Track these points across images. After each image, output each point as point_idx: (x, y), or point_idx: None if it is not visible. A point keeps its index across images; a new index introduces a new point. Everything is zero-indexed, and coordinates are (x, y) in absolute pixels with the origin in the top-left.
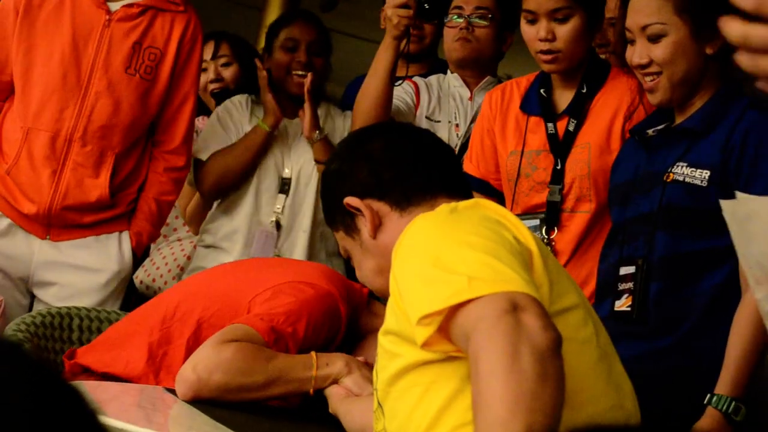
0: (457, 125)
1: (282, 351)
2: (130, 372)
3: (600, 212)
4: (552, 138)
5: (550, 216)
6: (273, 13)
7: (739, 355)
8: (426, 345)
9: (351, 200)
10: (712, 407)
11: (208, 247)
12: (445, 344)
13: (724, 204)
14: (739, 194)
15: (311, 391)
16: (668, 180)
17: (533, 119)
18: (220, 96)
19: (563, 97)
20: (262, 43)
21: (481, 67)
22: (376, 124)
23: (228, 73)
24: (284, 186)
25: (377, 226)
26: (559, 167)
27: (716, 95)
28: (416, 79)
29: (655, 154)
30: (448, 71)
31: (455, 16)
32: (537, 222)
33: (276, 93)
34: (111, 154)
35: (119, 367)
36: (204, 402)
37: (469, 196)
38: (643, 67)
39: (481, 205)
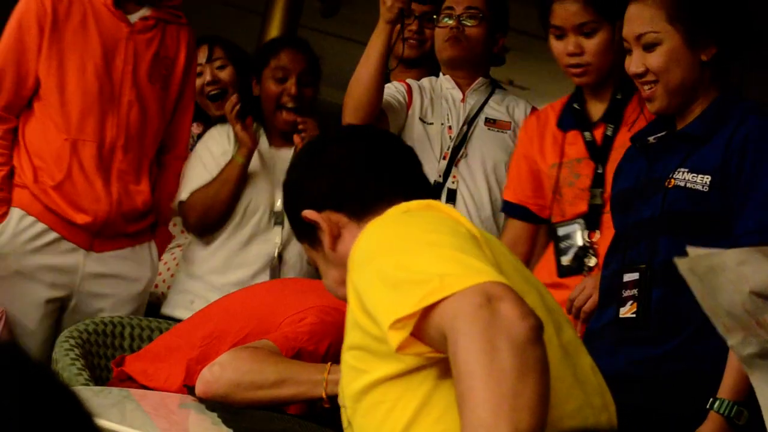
0: (449, 127)
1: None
2: (169, 387)
3: None
4: (590, 145)
5: (592, 218)
6: (275, 19)
7: None
8: (400, 349)
9: (309, 213)
10: (714, 411)
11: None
12: (418, 346)
13: (680, 262)
14: (691, 249)
15: (324, 395)
16: (669, 186)
17: (570, 133)
18: (218, 97)
19: (596, 108)
20: None
21: (473, 68)
22: (331, 131)
23: (224, 74)
24: (278, 218)
25: (336, 237)
26: (600, 171)
27: (715, 101)
28: (408, 80)
29: (656, 161)
30: (440, 73)
31: (446, 17)
32: (576, 226)
33: (261, 122)
34: (146, 161)
35: (160, 381)
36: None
37: (430, 198)
38: (639, 76)
39: (433, 206)
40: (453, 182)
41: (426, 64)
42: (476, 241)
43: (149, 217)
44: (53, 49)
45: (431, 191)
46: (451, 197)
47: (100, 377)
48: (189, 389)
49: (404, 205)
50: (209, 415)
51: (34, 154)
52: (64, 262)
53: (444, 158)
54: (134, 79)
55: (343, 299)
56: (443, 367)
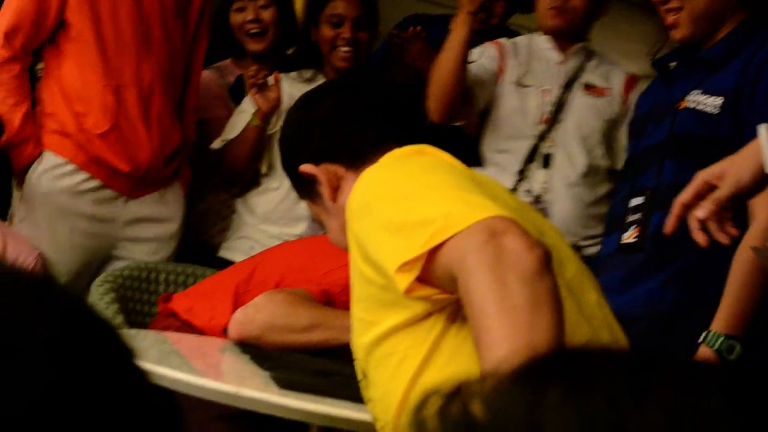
0: (546, 91)
1: None
2: (213, 329)
3: None
4: None
5: None
6: None
7: (736, 292)
8: (408, 292)
9: (306, 167)
10: (705, 344)
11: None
12: (426, 289)
13: (761, 127)
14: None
15: None
16: (680, 108)
17: None
18: (258, 35)
19: None
20: None
21: (574, 34)
22: (323, 84)
23: (267, 14)
24: None
25: (335, 188)
26: None
27: (740, 25)
28: (502, 40)
29: (674, 85)
30: (540, 34)
31: None
32: None
33: (320, 68)
34: (175, 100)
35: (204, 319)
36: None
37: (417, 138)
38: (663, 2)
39: (425, 151)
40: (550, 147)
41: (493, 39)
42: (473, 179)
43: (178, 157)
44: None
45: (425, 136)
46: (547, 162)
47: (135, 321)
48: (225, 332)
49: (396, 152)
50: (244, 358)
51: (75, 99)
52: (105, 212)
53: (542, 122)
54: (162, 18)
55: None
56: (450, 312)
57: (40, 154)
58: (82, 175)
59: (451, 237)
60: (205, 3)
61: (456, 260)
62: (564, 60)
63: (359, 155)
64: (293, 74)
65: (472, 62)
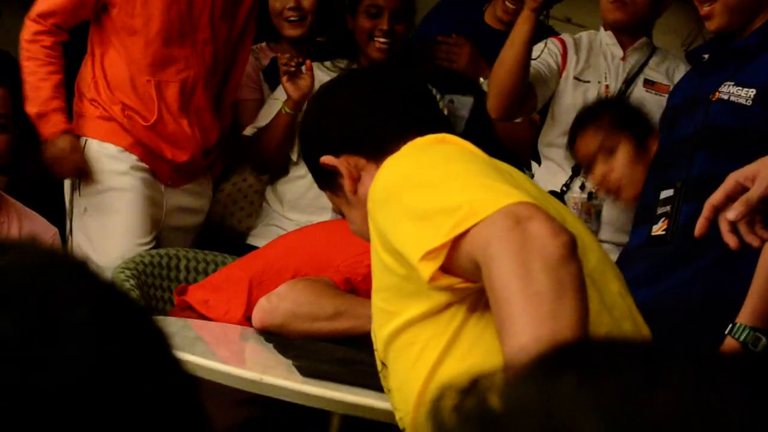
0: (607, 86)
1: None
2: (229, 320)
3: None
4: None
5: None
6: None
7: (763, 285)
8: (432, 281)
9: (327, 159)
10: (730, 336)
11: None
12: (449, 278)
13: None
14: None
15: None
16: (713, 99)
17: None
18: (296, 22)
19: None
20: None
21: (636, 29)
22: (341, 75)
23: (307, 2)
24: None
25: (356, 179)
26: None
27: None
28: (564, 36)
29: (707, 76)
30: (601, 28)
31: None
32: None
33: (355, 58)
34: (214, 97)
35: (220, 313)
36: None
37: (440, 129)
38: None
39: (447, 139)
40: None
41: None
42: (496, 167)
43: (216, 150)
44: None
45: (445, 125)
46: None
47: (156, 308)
48: (249, 320)
49: (418, 141)
50: (267, 346)
51: (117, 88)
52: (155, 194)
53: None
54: (210, 18)
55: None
56: (470, 303)
57: (77, 138)
58: (132, 157)
59: (476, 224)
60: (255, 5)
61: (480, 247)
62: (625, 55)
63: (380, 146)
64: (327, 63)
65: (534, 59)
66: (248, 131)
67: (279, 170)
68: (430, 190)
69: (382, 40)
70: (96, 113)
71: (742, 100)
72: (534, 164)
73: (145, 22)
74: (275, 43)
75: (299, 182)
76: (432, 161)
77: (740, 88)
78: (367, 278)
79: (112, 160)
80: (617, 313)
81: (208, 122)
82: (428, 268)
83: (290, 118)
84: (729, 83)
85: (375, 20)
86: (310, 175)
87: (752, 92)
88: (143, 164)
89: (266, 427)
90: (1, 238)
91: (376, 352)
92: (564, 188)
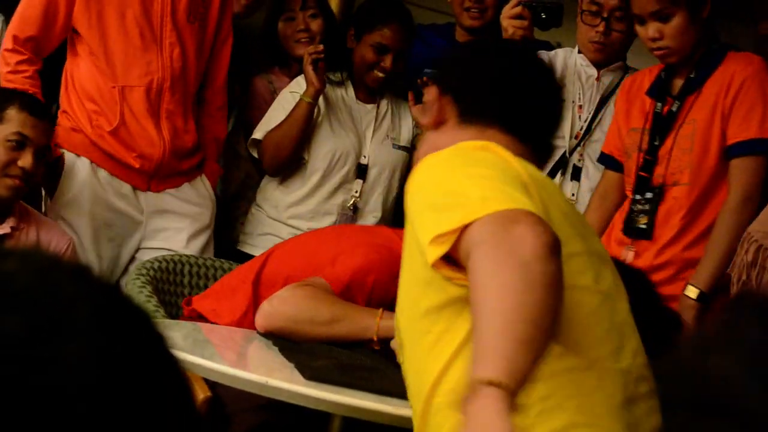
0: (580, 106)
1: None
2: (237, 326)
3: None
4: (656, 116)
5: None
6: None
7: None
8: (435, 266)
9: (431, 91)
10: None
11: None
12: (449, 270)
13: None
14: None
15: (375, 338)
16: None
17: (652, 101)
18: (307, 42)
19: (677, 82)
20: None
21: (614, 60)
22: (504, 41)
23: (315, 24)
24: (361, 172)
25: (440, 123)
26: (656, 143)
27: None
28: (541, 54)
29: None
30: (576, 47)
31: (591, 12)
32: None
33: (350, 75)
34: (190, 99)
35: (226, 318)
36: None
37: (526, 140)
38: None
39: (489, 147)
40: (579, 160)
41: (487, 34)
42: (523, 183)
43: (199, 153)
44: (92, 1)
45: (532, 134)
46: (576, 175)
47: (168, 313)
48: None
49: (464, 144)
50: (273, 349)
51: (87, 98)
52: (126, 204)
53: (575, 137)
54: (174, 21)
55: None
56: None
57: (61, 155)
58: (101, 171)
59: (477, 219)
60: (225, 7)
61: (473, 240)
62: (599, 76)
63: (471, 112)
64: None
65: None
66: (258, 134)
67: (291, 171)
68: (452, 186)
69: (380, 74)
70: (69, 125)
71: None
72: None
73: (102, 34)
74: (286, 69)
75: (302, 189)
76: (465, 164)
77: None
78: (358, 273)
79: (80, 172)
80: (624, 336)
81: (181, 126)
82: (434, 252)
83: (310, 107)
84: None
85: (379, 56)
86: (311, 181)
87: None
88: (113, 177)
89: (282, 430)
90: (17, 245)
91: (396, 331)
92: None
